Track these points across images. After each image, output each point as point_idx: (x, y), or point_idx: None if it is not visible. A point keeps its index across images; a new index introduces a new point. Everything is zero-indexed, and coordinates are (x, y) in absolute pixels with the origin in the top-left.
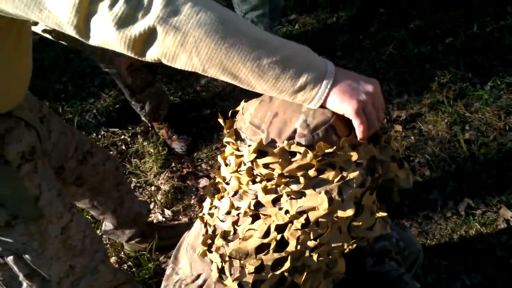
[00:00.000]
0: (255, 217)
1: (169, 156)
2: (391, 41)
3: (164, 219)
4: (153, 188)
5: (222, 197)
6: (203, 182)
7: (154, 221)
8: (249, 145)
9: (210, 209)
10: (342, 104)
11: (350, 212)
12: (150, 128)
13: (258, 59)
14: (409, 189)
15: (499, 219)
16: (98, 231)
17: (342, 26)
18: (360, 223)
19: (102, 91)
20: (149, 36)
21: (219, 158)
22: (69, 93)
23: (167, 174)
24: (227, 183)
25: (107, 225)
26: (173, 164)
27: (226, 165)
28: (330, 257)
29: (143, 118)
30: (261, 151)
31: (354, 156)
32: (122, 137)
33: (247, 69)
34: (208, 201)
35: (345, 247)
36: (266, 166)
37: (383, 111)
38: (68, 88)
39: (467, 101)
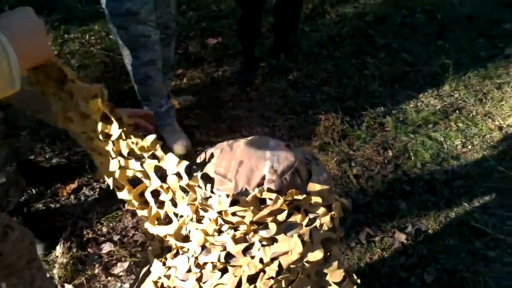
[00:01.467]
0: (223, 271)
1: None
2: (275, 92)
3: None
4: (48, 262)
5: (175, 255)
6: (106, 247)
7: None
8: (219, 196)
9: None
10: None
11: (319, 255)
12: (45, 192)
13: None
14: None
15: (395, 242)
16: None
17: (229, 79)
18: (328, 273)
19: None
20: None
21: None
22: None
23: (63, 243)
24: (185, 238)
25: None
26: (69, 231)
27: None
28: None
29: None
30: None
31: (318, 199)
32: None
33: None
34: (156, 264)
35: None
36: (234, 214)
37: None
38: None
39: (349, 141)
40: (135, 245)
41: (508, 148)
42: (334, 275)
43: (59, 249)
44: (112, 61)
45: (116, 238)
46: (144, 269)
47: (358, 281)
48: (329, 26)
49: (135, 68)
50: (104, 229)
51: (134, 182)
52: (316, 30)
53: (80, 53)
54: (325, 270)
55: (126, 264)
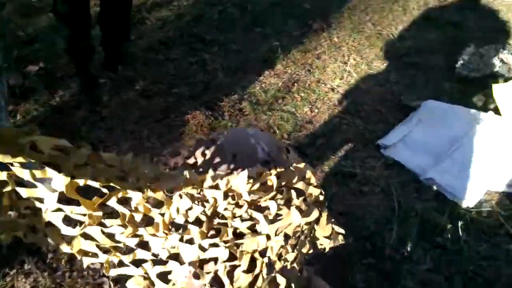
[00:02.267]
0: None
1: None
2: (128, 104)
3: None
4: None
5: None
6: None
7: None
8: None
9: None
10: None
11: (316, 214)
12: None
13: None
14: None
15: None
16: None
17: (70, 103)
18: (318, 229)
19: None
20: None
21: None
22: None
23: None
24: None
25: None
26: None
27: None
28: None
29: None
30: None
31: (295, 174)
32: None
33: None
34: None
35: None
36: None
37: None
38: None
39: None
40: None
41: (346, 103)
42: (324, 230)
43: None
44: None
45: None
46: None
47: (342, 230)
48: (154, 31)
49: None
50: None
51: None
52: (142, 37)
53: None
54: (315, 227)
55: None
